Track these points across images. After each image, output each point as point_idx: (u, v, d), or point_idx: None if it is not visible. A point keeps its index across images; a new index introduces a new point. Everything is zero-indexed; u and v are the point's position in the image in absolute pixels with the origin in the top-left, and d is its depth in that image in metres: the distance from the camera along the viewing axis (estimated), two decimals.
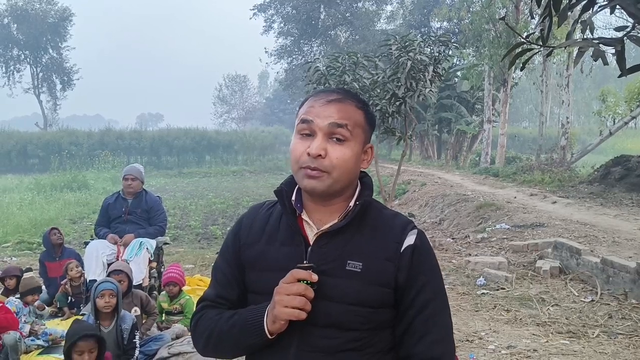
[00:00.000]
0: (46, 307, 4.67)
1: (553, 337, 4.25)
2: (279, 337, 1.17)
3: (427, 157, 27.28)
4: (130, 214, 5.20)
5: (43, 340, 3.97)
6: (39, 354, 3.87)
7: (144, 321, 4.19)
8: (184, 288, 4.80)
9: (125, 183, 5.23)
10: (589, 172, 13.34)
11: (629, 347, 4.03)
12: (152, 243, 5.07)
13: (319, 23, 32.98)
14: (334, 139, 1.18)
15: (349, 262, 1.17)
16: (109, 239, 4.98)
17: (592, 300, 5.05)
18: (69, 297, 4.81)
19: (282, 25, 34.00)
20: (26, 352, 3.81)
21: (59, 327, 4.23)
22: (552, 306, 5.00)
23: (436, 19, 28.26)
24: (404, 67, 7.60)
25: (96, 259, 4.81)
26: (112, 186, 17.30)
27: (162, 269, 5.30)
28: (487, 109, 19.87)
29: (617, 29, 2.47)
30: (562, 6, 2.47)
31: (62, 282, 4.88)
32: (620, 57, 2.20)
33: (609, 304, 4.91)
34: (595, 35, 2.55)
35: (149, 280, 5.01)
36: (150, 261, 5.03)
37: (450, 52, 8.98)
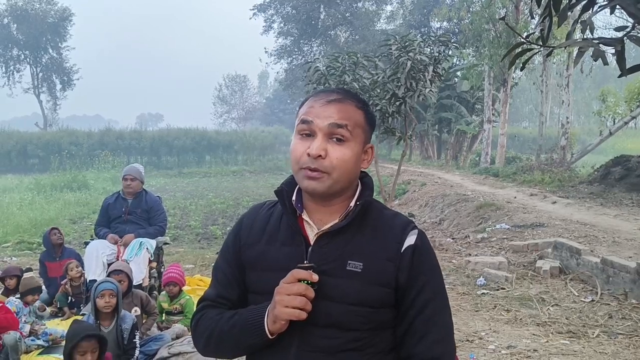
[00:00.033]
0: (47, 308, 4.66)
1: (553, 337, 4.25)
2: (280, 337, 1.17)
3: (427, 157, 27.28)
4: (130, 214, 5.20)
5: (43, 340, 3.97)
6: (39, 354, 3.87)
7: (144, 321, 4.19)
8: (184, 288, 4.80)
9: (125, 183, 5.23)
10: (589, 172, 13.34)
11: (629, 347, 4.03)
12: (152, 243, 5.07)
13: (318, 23, 32.98)
14: (334, 139, 1.18)
15: (349, 262, 1.17)
16: (109, 239, 4.98)
17: (592, 300, 5.06)
18: (69, 297, 4.81)
19: (282, 25, 34.02)
20: (26, 352, 3.81)
21: (59, 327, 4.23)
22: (552, 306, 5.00)
23: (436, 19, 28.26)
24: (404, 67, 7.61)
25: (96, 259, 4.82)
26: (112, 186, 17.30)
27: (162, 269, 5.30)
28: (487, 109, 19.87)
29: (617, 29, 2.47)
30: (562, 6, 2.47)
31: (62, 282, 4.88)
32: (620, 57, 2.21)
33: (609, 304, 4.91)
34: (595, 35, 2.56)
35: (149, 280, 5.01)
36: (150, 261, 5.03)
37: (450, 52, 8.99)
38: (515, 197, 11.00)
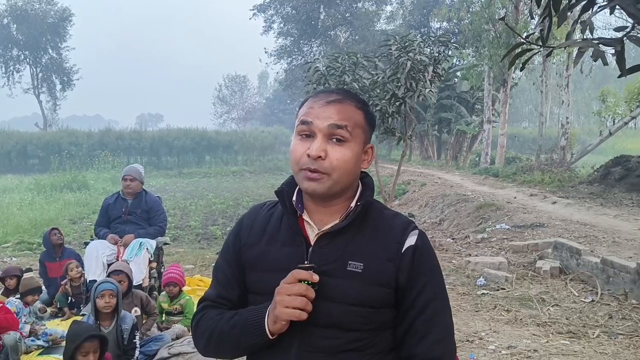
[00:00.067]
0: (48, 310, 4.66)
1: (553, 338, 4.25)
2: (280, 338, 1.17)
3: (427, 157, 27.29)
4: (130, 215, 5.20)
5: (43, 341, 3.97)
6: (39, 354, 3.87)
7: (144, 321, 4.19)
8: (184, 288, 4.80)
9: (124, 183, 5.24)
10: (588, 172, 13.34)
11: (629, 347, 4.03)
12: (152, 243, 5.07)
13: (318, 23, 32.99)
14: (334, 140, 1.17)
15: (350, 262, 1.17)
16: (109, 239, 4.98)
17: (593, 301, 5.06)
18: (69, 298, 4.81)
19: (281, 25, 34.03)
20: (26, 353, 3.81)
21: (59, 327, 4.23)
22: (552, 306, 5.00)
23: (436, 19, 28.28)
24: (403, 67, 7.61)
25: (96, 259, 4.82)
26: (112, 186, 17.30)
27: (162, 269, 5.30)
28: (487, 109, 19.88)
29: (617, 29, 2.47)
30: (561, 6, 2.47)
31: (62, 283, 4.88)
32: (620, 57, 2.21)
33: (609, 304, 4.91)
34: (595, 36, 2.56)
35: (149, 281, 5.01)
36: (150, 261, 5.02)
37: (450, 53, 9.00)
38: (515, 198, 11.00)
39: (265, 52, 35.35)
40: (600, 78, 46.46)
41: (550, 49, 2.79)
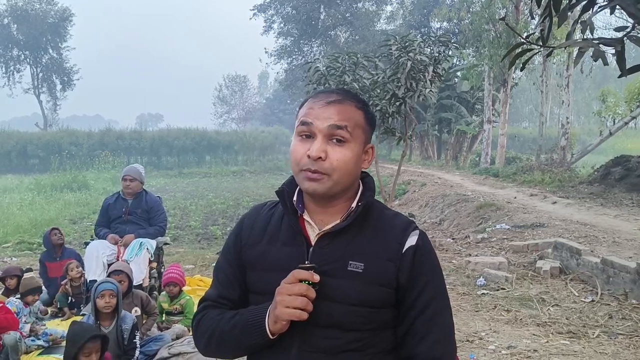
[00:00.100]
0: (49, 312, 4.66)
1: (553, 338, 4.25)
2: (281, 338, 1.17)
3: (427, 157, 27.29)
4: (130, 215, 5.20)
5: (43, 341, 3.97)
6: (39, 354, 3.87)
7: (144, 321, 4.19)
8: (184, 288, 4.80)
9: (124, 184, 5.24)
10: (589, 172, 13.34)
11: (629, 347, 4.03)
12: (152, 243, 5.07)
13: (319, 23, 32.99)
14: (334, 141, 1.17)
15: (350, 262, 1.17)
16: (110, 239, 4.98)
17: (593, 301, 5.06)
18: (69, 298, 4.81)
19: (282, 25, 34.03)
20: (26, 353, 3.81)
21: (59, 327, 4.23)
22: (552, 306, 5.00)
23: (436, 19, 28.29)
24: (404, 67, 7.61)
25: (96, 259, 4.82)
26: (112, 186, 17.30)
27: (162, 269, 5.30)
28: (487, 109, 19.88)
29: (617, 29, 2.47)
30: (562, 6, 2.47)
31: (63, 283, 4.88)
32: (620, 57, 2.21)
33: (609, 304, 4.91)
34: (595, 36, 2.56)
35: (149, 281, 5.01)
36: (150, 261, 5.03)
37: (450, 53, 9.00)
38: (515, 198, 11.00)
39: (266, 52, 35.41)
40: (601, 78, 46.46)
41: (551, 49, 2.79)
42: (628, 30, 2.39)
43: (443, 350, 1.19)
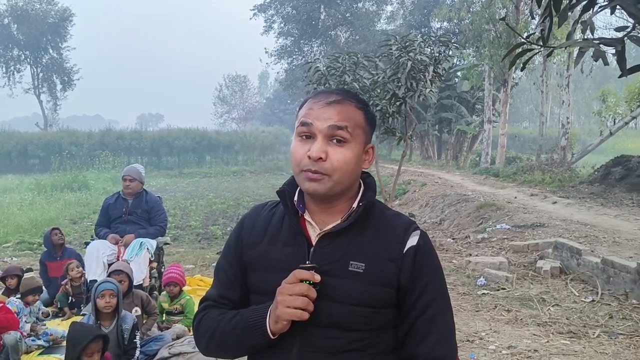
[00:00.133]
0: (50, 314, 4.65)
1: (554, 337, 4.25)
2: (282, 338, 1.17)
3: (427, 157, 27.29)
4: (130, 214, 5.21)
5: (44, 341, 3.97)
6: (40, 354, 3.87)
7: (144, 321, 4.19)
8: (185, 288, 4.79)
9: (124, 184, 5.25)
10: (589, 172, 13.34)
11: (629, 347, 4.03)
12: (152, 243, 5.08)
13: (319, 23, 32.99)
14: (334, 141, 1.17)
15: (351, 262, 1.17)
16: (110, 239, 4.99)
17: (593, 301, 5.05)
18: (70, 297, 4.81)
19: (282, 25, 34.02)
20: (27, 352, 3.81)
21: (60, 327, 4.23)
22: (552, 306, 5.00)
23: (436, 19, 28.28)
24: (404, 67, 7.62)
25: (97, 259, 4.82)
26: (113, 186, 17.29)
27: (162, 269, 5.30)
28: (488, 109, 19.88)
29: (618, 29, 2.48)
30: (562, 6, 2.47)
31: (63, 282, 4.88)
32: (621, 57, 2.21)
33: (609, 304, 4.91)
34: (596, 36, 2.56)
35: (150, 281, 5.02)
36: (150, 261, 5.03)
37: (450, 53, 9.00)
38: (515, 197, 11.00)
39: (266, 52, 35.39)
40: (601, 78, 46.45)
41: (551, 49, 2.79)
42: (628, 30, 2.39)
43: (444, 351, 1.19)
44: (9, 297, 4.44)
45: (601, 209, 9.09)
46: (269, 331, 1.15)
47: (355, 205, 1.22)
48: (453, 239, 8.71)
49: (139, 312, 4.12)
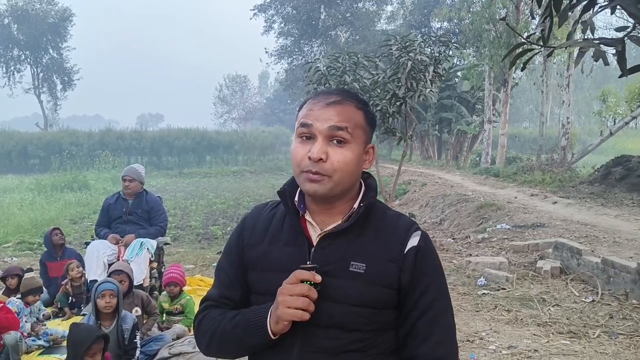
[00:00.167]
0: (51, 316, 4.65)
1: (554, 338, 4.25)
2: (282, 338, 1.17)
3: (427, 157, 27.29)
4: (130, 215, 5.21)
5: (44, 341, 3.97)
6: (40, 354, 3.87)
7: (144, 321, 4.20)
8: (185, 288, 4.79)
9: (124, 184, 5.26)
10: (589, 172, 13.34)
11: (629, 347, 4.03)
12: (152, 243, 5.08)
13: (319, 23, 32.99)
14: (335, 142, 1.17)
15: (352, 263, 1.17)
16: (111, 239, 4.99)
17: (593, 301, 5.05)
18: (70, 297, 4.81)
19: (282, 25, 34.02)
20: (27, 353, 3.81)
21: (60, 327, 4.23)
22: (552, 306, 5.00)
23: (436, 19, 28.28)
24: (404, 67, 7.62)
25: (97, 259, 4.83)
26: (113, 186, 17.30)
27: (162, 269, 5.30)
28: (488, 109, 19.88)
29: (618, 30, 2.48)
30: (562, 6, 2.47)
31: (63, 282, 4.88)
32: (621, 57, 2.21)
33: (609, 304, 4.91)
34: (596, 36, 2.56)
35: (150, 281, 5.02)
36: (151, 261, 5.03)
37: (450, 53, 9.00)
38: (515, 197, 11.00)
39: (266, 52, 35.40)
40: (601, 78, 46.45)
41: (551, 49, 2.79)
42: (629, 30, 2.39)
43: (445, 351, 1.19)
44: (9, 297, 4.43)
45: (601, 209, 9.09)
46: (269, 331, 1.15)
47: (356, 205, 1.22)
48: (453, 239, 8.71)
49: (139, 312, 4.12)
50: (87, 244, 5.28)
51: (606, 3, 2.46)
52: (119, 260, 4.76)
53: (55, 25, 37.35)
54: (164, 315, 4.55)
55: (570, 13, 2.64)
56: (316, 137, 1.17)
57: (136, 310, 4.06)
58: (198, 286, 5.69)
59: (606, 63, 2.27)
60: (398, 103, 7.94)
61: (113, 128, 33.86)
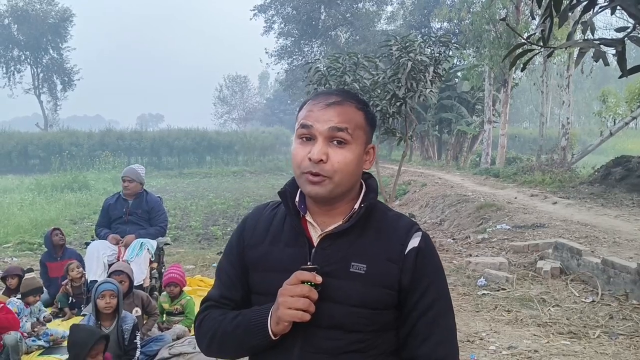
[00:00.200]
0: (51, 319, 4.65)
1: (554, 338, 4.25)
2: (283, 339, 1.17)
3: (427, 157, 27.30)
4: (131, 215, 5.21)
5: (44, 341, 3.97)
6: (40, 354, 3.87)
7: (144, 322, 4.19)
8: (185, 289, 4.80)
9: (123, 185, 5.26)
10: (589, 172, 13.34)
11: (629, 347, 4.03)
12: (152, 244, 5.08)
13: (319, 24, 33.00)
14: (335, 143, 1.17)
15: (352, 263, 1.17)
16: (111, 239, 4.99)
17: (593, 301, 5.05)
18: (70, 298, 4.81)
19: (282, 25, 34.04)
20: (27, 353, 3.81)
21: (60, 327, 4.23)
22: (552, 307, 5.00)
23: (436, 20, 28.29)
24: (404, 67, 7.62)
25: (97, 259, 4.83)
26: (113, 187, 17.30)
27: (162, 270, 5.30)
28: (488, 109, 19.88)
29: (618, 30, 2.48)
30: (562, 7, 2.47)
31: (63, 283, 4.88)
32: (621, 57, 2.21)
33: (609, 305, 4.91)
34: (596, 36, 2.56)
35: (150, 281, 5.02)
36: (151, 262, 5.03)
37: (450, 53, 8.99)
38: (515, 198, 11.00)
39: (266, 52, 35.41)
40: (601, 78, 46.46)
41: (551, 49, 2.80)
42: (629, 30, 2.39)
43: (445, 352, 1.19)
44: (9, 297, 4.44)
45: (601, 209, 9.09)
46: (270, 332, 1.15)
47: (356, 206, 1.22)
48: (453, 239, 8.71)
49: (139, 313, 4.12)
50: (87, 244, 5.28)
51: (606, 3, 2.46)
52: (119, 260, 4.76)
53: (55, 25, 37.38)
54: (164, 315, 4.55)
55: (570, 13, 2.64)
56: (316, 138, 1.17)
57: (136, 311, 4.06)
58: (198, 286, 5.69)
59: (606, 63, 2.27)
60: (398, 103, 7.94)
61: (113, 128, 33.92)
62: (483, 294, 5.50)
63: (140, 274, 4.75)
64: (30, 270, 4.77)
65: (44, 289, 4.84)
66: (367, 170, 1.27)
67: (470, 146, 24.97)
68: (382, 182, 10.04)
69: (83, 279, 4.85)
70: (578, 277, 5.67)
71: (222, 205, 15.02)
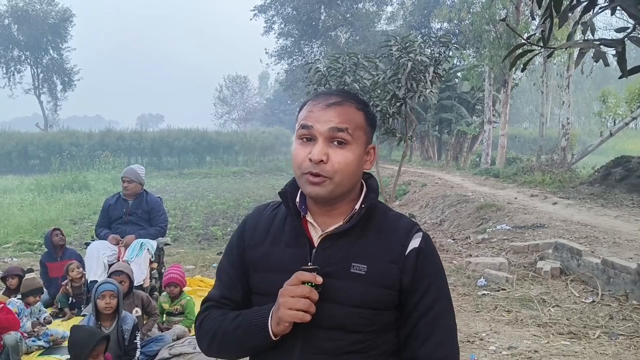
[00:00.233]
0: (52, 321, 4.65)
1: (554, 338, 4.25)
2: (283, 339, 1.17)
3: (427, 157, 27.31)
4: (131, 215, 5.21)
5: (44, 341, 3.98)
6: (40, 354, 3.87)
7: (144, 322, 4.20)
8: (185, 289, 4.80)
9: (123, 185, 5.26)
10: (589, 173, 13.34)
11: (629, 348, 4.03)
12: (152, 244, 5.08)
13: (319, 24, 33.00)
14: (335, 143, 1.17)
15: (353, 264, 1.17)
16: (111, 240, 4.99)
17: (593, 301, 5.05)
18: (70, 298, 4.81)
19: (282, 26, 34.05)
20: (27, 353, 3.81)
21: (60, 327, 4.24)
22: (552, 307, 5.00)
23: (436, 20, 28.29)
24: (404, 68, 7.61)
25: (97, 259, 4.83)
26: (113, 187, 17.30)
27: (162, 270, 5.30)
28: (488, 109, 19.88)
29: (618, 30, 2.48)
30: (562, 7, 2.47)
31: (63, 283, 4.88)
32: (621, 58, 2.21)
33: (609, 305, 4.91)
34: (596, 37, 2.56)
35: (150, 281, 5.02)
36: (151, 262, 5.03)
37: (450, 53, 8.99)
38: (515, 198, 11.00)
39: (266, 52, 35.42)
40: (601, 79, 46.47)
41: (551, 49, 2.80)
42: (629, 31, 2.39)
43: (446, 352, 1.19)
44: (9, 298, 4.44)
45: (601, 209, 9.09)
46: (270, 332, 1.15)
47: (357, 207, 1.22)
48: (453, 239, 8.71)
49: (140, 313, 4.12)
50: (87, 244, 5.28)
51: (606, 4, 2.46)
52: (119, 260, 4.76)
53: (55, 25, 37.40)
54: (164, 315, 4.55)
55: (570, 14, 2.64)
56: (317, 139, 1.17)
57: (136, 311, 4.06)
58: (198, 287, 5.69)
59: (606, 64, 2.27)
60: (398, 104, 7.93)
61: (113, 128, 33.93)
62: (483, 294, 5.50)
63: (140, 274, 4.75)
64: (31, 270, 4.77)
65: (44, 289, 4.84)
66: (367, 171, 1.27)
67: (470, 146, 24.98)
68: (382, 183, 10.04)
69: (83, 279, 4.86)
70: (578, 277, 5.67)
71: (222, 206, 15.02)
